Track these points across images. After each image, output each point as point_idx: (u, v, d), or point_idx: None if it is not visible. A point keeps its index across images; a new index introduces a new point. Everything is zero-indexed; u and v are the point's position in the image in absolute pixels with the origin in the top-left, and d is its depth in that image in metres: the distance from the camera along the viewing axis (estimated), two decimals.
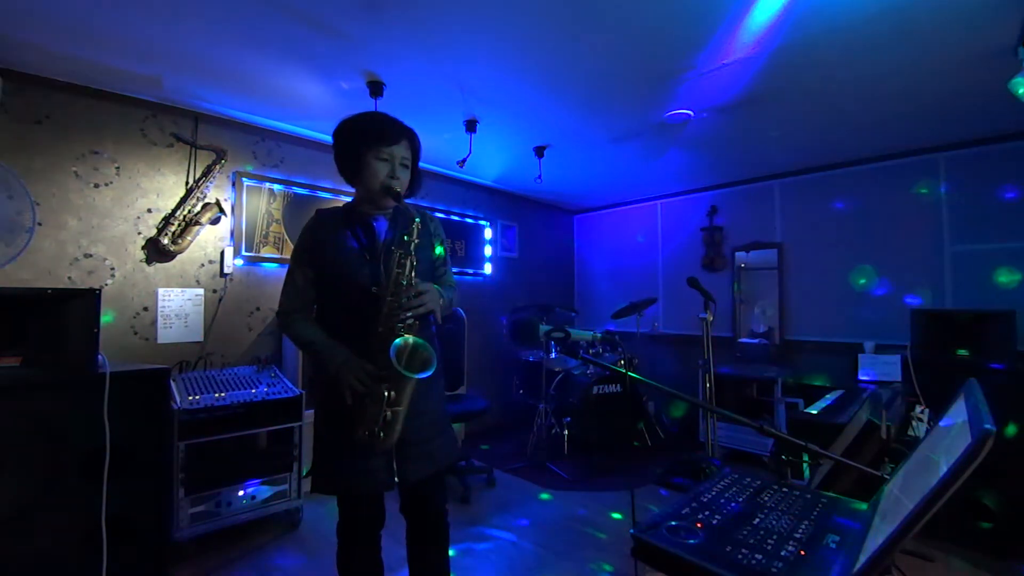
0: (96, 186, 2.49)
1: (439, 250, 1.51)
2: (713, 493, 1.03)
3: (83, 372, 1.74)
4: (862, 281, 3.54)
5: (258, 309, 3.03)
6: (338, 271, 1.35)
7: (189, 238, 2.71)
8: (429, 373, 1.23)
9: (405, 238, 1.29)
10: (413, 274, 1.29)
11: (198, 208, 2.75)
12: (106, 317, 2.46)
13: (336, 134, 1.41)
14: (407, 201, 1.38)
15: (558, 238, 5.42)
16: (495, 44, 2.10)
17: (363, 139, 1.35)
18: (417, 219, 1.30)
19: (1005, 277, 2.99)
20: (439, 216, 4.13)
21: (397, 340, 1.22)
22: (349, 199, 1.51)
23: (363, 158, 1.35)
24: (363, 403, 1.24)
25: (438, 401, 1.48)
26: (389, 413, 1.22)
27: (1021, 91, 1.97)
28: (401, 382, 1.22)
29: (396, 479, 1.32)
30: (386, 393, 1.21)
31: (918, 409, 2.20)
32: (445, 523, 1.52)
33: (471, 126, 2.96)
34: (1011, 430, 2.24)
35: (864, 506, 0.96)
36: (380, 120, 1.39)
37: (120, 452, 1.72)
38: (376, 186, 1.34)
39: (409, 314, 1.27)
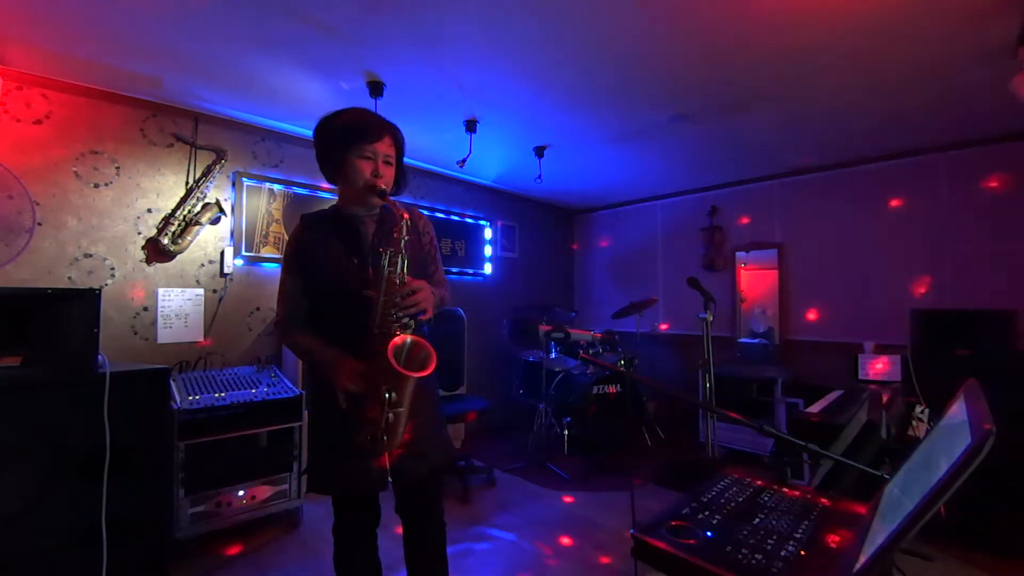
0: (96, 186, 2.49)
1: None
2: (713, 493, 1.03)
3: (83, 372, 1.73)
4: (862, 281, 3.54)
5: (258, 309, 3.03)
6: (327, 275, 1.33)
7: (189, 238, 2.71)
8: (429, 371, 1.21)
9: (394, 235, 1.25)
10: (405, 272, 1.26)
11: (198, 208, 2.75)
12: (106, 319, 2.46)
13: (316, 133, 1.36)
14: (395, 198, 1.34)
15: (558, 238, 5.42)
16: (495, 44, 2.10)
17: (344, 137, 1.30)
18: (406, 216, 1.27)
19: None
20: (439, 216, 4.13)
21: (395, 340, 1.21)
22: None
23: (345, 157, 1.30)
24: (361, 406, 1.22)
25: (431, 401, 1.45)
26: (391, 415, 1.20)
27: None
28: (400, 382, 1.20)
29: (390, 479, 1.31)
30: (386, 395, 1.20)
31: (918, 409, 2.20)
32: (440, 523, 1.50)
33: (471, 126, 2.96)
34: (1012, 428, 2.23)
35: (864, 506, 0.96)
36: (361, 117, 1.34)
37: (120, 452, 1.72)
38: (360, 185, 1.31)
39: (403, 313, 1.25)
